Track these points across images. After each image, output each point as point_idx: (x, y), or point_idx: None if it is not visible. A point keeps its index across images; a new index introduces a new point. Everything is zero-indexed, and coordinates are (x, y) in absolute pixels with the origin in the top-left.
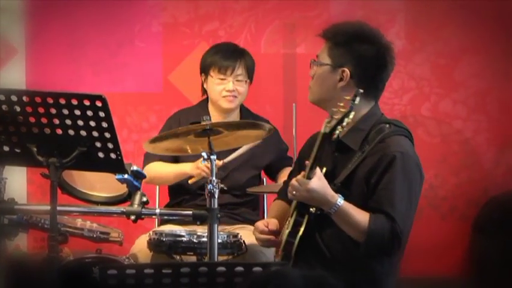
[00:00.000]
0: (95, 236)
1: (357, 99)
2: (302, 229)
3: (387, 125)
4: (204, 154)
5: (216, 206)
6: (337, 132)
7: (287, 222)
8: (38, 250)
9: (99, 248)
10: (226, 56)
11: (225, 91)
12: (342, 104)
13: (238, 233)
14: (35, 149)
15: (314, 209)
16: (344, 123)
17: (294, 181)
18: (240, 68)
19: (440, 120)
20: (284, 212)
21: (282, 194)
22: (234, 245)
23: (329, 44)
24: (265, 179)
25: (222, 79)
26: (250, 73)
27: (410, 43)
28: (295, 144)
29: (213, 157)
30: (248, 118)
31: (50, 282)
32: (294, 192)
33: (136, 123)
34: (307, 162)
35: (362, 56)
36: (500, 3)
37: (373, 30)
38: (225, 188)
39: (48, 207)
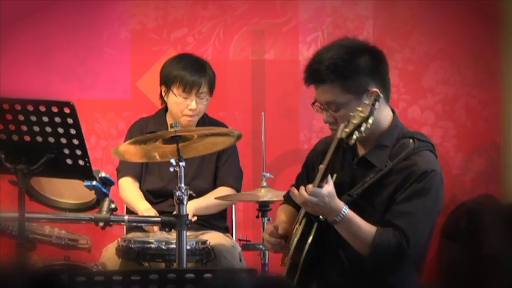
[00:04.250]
0: (63, 243)
1: (377, 104)
2: (311, 237)
3: (411, 140)
4: (173, 161)
5: (185, 212)
6: (354, 137)
7: (295, 230)
8: (5, 257)
9: (67, 255)
10: (192, 72)
11: (188, 110)
12: (360, 109)
13: (206, 240)
14: (2, 156)
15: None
16: (362, 129)
17: (302, 190)
18: (204, 87)
19: (409, 126)
20: (292, 217)
21: (288, 198)
22: (203, 252)
23: (336, 83)
24: None
25: (185, 98)
26: (212, 89)
27: None
28: (264, 152)
29: (182, 164)
30: (206, 123)
31: None
32: (304, 201)
33: (104, 129)
34: (321, 166)
35: (373, 67)
36: (468, 11)
37: (349, 40)
38: (194, 195)
39: (16, 214)
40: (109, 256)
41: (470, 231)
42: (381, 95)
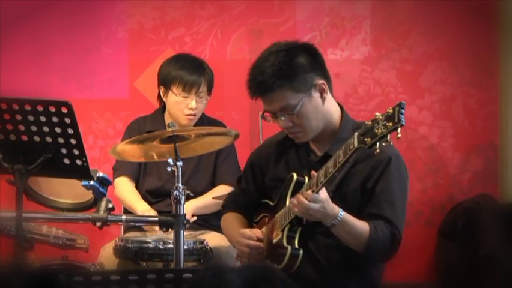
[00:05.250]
0: (61, 242)
1: (403, 111)
2: (296, 241)
3: None
4: (170, 160)
5: (183, 212)
6: (377, 147)
7: (277, 237)
8: (3, 257)
9: (65, 255)
10: (191, 72)
11: (187, 109)
12: (381, 117)
13: (204, 240)
14: (0, 156)
15: (305, 221)
16: (388, 138)
17: (301, 197)
18: (203, 86)
19: (406, 126)
20: (245, 225)
21: (231, 204)
22: (201, 252)
23: (285, 87)
24: None
25: (185, 97)
26: (211, 88)
27: (376, 50)
28: None
29: (179, 163)
30: (204, 122)
31: None
32: (300, 208)
33: (101, 129)
34: (313, 172)
35: (313, 61)
36: (466, 11)
37: (280, 44)
38: (191, 194)
39: (13, 214)
40: (106, 256)
41: (468, 231)
42: (327, 86)
